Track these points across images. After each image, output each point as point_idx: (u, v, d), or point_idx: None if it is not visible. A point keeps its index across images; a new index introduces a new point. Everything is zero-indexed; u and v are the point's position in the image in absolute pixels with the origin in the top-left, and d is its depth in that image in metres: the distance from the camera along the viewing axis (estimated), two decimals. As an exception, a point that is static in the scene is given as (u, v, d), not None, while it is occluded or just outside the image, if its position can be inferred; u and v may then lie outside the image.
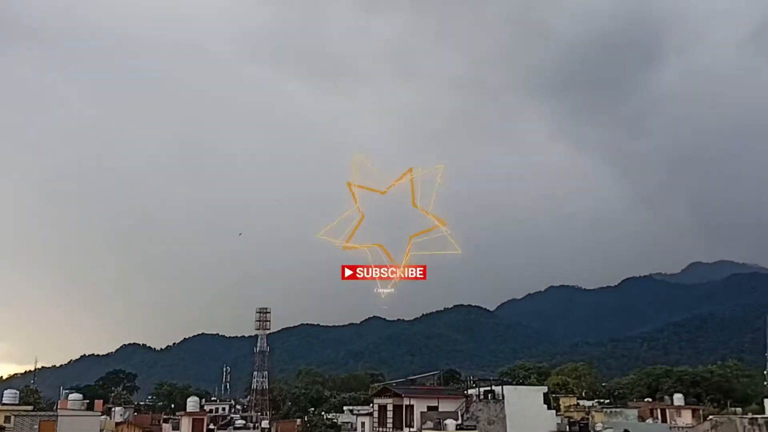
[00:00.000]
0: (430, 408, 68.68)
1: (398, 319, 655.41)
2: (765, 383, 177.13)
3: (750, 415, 76.71)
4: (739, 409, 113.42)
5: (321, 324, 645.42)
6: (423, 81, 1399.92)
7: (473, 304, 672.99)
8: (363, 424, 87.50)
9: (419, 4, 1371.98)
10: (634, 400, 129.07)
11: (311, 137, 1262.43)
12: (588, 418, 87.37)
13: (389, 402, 74.06)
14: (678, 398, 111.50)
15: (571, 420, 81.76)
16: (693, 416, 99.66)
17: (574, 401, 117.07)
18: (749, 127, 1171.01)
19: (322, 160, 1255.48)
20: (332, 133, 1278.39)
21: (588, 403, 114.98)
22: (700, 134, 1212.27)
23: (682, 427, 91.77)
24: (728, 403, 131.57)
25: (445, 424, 62.69)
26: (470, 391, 74.68)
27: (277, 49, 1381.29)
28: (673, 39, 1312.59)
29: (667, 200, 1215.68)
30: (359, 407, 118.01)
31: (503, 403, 67.51)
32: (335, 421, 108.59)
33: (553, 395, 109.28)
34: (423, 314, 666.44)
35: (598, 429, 77.82)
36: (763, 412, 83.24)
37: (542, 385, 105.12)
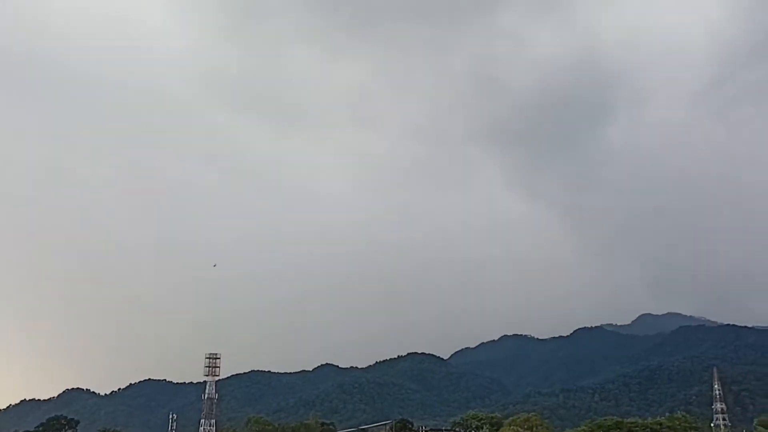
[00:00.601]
0: (383, 458, 68.20)
1: (351, 367, 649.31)
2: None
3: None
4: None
5: (272, 371, 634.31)
6: (383, 128, 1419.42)
7: (427, 352, 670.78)
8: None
9: (381, 53, 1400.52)
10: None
11: (270, 180, 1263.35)
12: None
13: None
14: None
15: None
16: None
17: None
18: (697, 182, 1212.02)
19: (281, 203, 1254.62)
20: (292, 177, 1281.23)
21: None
22: (649, 189, 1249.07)
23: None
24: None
25: (398, 475, 62.14)
26: (423, 441, 74.35)
27: (238, 92, 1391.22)
28: (624, 96, 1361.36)
29: (618, 252, 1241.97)
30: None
31: (456, 453, 67.44)
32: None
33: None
34: (377, 362, 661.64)
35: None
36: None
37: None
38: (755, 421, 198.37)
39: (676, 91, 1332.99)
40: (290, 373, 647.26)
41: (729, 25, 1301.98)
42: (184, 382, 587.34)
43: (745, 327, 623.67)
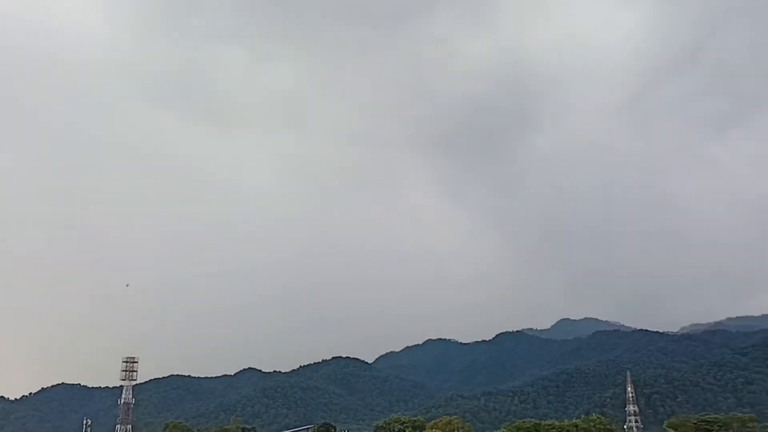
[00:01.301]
0: (303, 462, 67.53)
1: (275, 371, 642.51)
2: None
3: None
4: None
5: (192, 375, 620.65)
6: (315, 131, 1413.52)
7: (352, 357, 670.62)
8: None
9: (311, 57, 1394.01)
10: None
11: (197, 180, 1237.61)
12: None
13: (262, 456, 72.06)
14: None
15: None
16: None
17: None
18: (616, 191, 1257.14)
19: (207, 204, 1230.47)
20: (220, 178, 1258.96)
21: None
22: (571, 197, 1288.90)
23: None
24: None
25: (319, 479, 61.59)
26: (345, 445, 73.94)
27: (167, 91, 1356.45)
28: (549, 105, 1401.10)
29: (540, 258, 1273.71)
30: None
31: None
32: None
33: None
34: (300, 366, 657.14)
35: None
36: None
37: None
38: (665, 423, 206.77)
39: (598, 103, 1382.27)
40: (211, 377, 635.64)
41: (649, 42, 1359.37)
42: (100, 387, 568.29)
43: (657, 332, 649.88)
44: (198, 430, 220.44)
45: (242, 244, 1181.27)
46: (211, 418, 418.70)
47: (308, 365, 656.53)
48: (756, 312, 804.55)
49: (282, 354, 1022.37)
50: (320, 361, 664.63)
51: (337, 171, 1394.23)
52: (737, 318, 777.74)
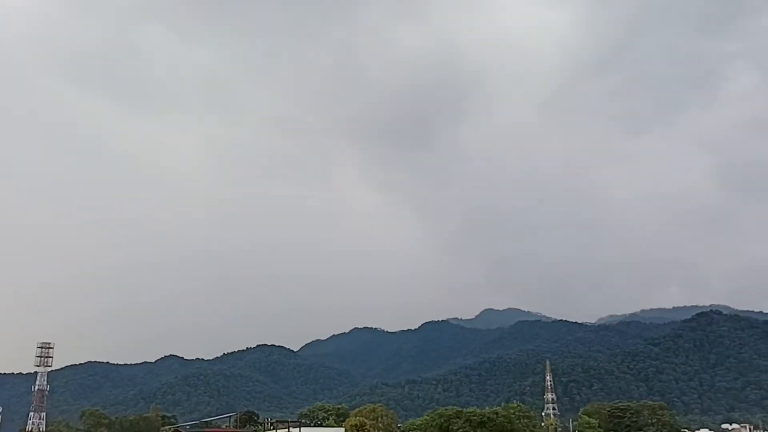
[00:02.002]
0: (224, 451, 66.49)
1: (197, 359, 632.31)
2: (542, 424, 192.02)
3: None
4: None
5: (111, 362, 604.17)
6: (241, 116, 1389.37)
7: (277, 344, 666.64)
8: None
9: (240, 39, 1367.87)
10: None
11: (114, 159, 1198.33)
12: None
13: (181, 445, 70.61)
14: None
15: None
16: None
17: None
18: (540, 184, 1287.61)
19: (125, 185, 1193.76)
20: (140, 159, 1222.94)
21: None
22: (496, 188, 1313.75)
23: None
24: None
25: (239, 467, 60.70)
26: (267, 433, 73.22)
27: (88, 68, 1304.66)
28: (478, 97, 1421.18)
29: (467, 249, 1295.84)
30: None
31: (300, 444, 66.87)
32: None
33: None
34: (224, 353, 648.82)
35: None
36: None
37: (340, 426, 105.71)
38: (581, 410, 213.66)
39: (524, 97, 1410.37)
40: (131, 364, 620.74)
41: (575, 41, 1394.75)
42: (12, 373, 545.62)
43: (576, 323, 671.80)
44: (116, 417, 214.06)
45: (164, 230, 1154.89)
46: (129, 406, 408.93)
47: (232, 353, 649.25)
48: (668, 304, 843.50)
49: (205, 341, 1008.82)
50: (245, 348, 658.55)
51: (264, 157, 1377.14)
52: (651, 309, 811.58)
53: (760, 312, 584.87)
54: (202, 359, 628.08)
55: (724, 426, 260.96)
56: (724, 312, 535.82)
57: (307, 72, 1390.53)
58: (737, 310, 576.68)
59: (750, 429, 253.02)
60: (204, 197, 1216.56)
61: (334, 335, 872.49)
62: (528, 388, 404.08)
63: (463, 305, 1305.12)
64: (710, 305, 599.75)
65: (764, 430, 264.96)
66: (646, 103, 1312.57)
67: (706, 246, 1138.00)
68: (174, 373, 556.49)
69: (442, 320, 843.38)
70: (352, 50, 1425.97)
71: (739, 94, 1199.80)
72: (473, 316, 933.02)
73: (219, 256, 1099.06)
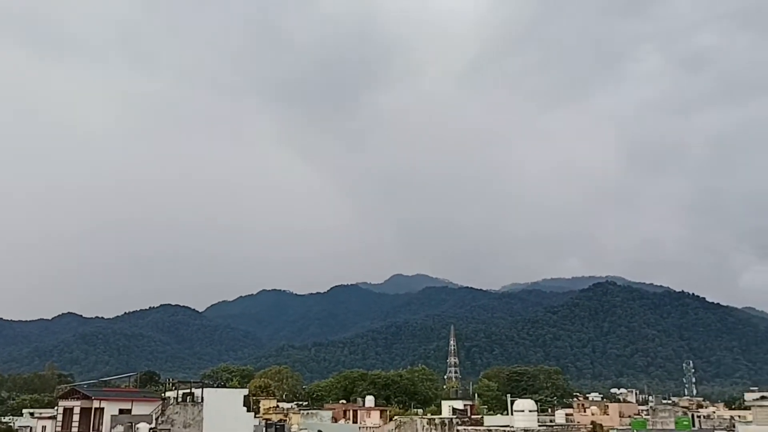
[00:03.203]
0: (122, 411, 64.52)
1: (96, 317, 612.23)
2: (444, 387, 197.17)
3: (429, 416, 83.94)
4: (420, 410, 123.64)
5: (3, 318, 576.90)
6: (156, 69, 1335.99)
7: (181, 305, 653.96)
8: (44, 428, 79.26)
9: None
10: (331, 401, 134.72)
11: (22, 109, 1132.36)
12: (285, 420, 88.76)
13: (77, 405, 68.08)
14: (369, 400, 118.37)
15: (269, 422, 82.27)
16: (381, 417, 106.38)
17: (274, 403, 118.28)
18: (453, 155, 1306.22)
19: (33, 134, 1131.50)
20: (50, 108, 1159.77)
21: (287, 405, 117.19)
22: (412, 156, 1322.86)
23: (371, 427, 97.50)
24: (412, 404, 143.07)
25: (138, 428, 59.03)
26: (168, 394, 71.59)
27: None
28: (399, 65, 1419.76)
29: (378, 214, 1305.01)
30: (42, 410, 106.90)
31: (201, 405, 65.74)
32: (11, 424, 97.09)
33: (254, 398, 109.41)
34: (125, 312, 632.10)
35: (294, 430, 79.36)
36: (440, 413, 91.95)
37: (245, 387, 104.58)
38: (481, 374, 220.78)
39: (443, 68, 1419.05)
40: (25, 321, 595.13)
41: (495, 15, 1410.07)
42: None
43: (481, 290, 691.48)
44: (9, 375, 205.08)
45: (67, 181, 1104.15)
46: (24, 363, 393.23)
47: (134, 312, 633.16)
48: (567, 274, 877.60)
49: (105, 299, 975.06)
50: (147, 308, 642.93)
51: (179, 113, 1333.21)
52: (552, 279, 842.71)
53: (651, 284, 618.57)
54: (102, 318, 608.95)
55: (612, 390, 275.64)
56: (619, 283, 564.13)
57: (228, 29, 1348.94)
58: (631, 282, 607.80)
59: (636, 393, 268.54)
60: (117, 154, 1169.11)
61: (241, 296, 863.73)
62: (433, 352, 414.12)
63: (372, 270, 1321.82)
64: (606, 276, 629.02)
65: (648, 394, 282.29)
66: (559, 80, 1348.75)
67: (606, 220, 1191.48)
68: (72, 331, 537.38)
69: (351, 284, 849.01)
70: (274, 11, 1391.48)
71: (645, 75, 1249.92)
72: (382, 281, 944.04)
73: (123, 211, 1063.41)
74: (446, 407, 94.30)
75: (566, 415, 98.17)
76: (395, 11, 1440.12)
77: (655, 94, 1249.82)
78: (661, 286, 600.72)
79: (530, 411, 48.23)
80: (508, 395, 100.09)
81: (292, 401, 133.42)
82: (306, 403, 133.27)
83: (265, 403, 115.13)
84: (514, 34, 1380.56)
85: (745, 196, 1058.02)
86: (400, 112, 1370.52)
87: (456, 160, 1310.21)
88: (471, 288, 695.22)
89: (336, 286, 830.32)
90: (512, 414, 53.58)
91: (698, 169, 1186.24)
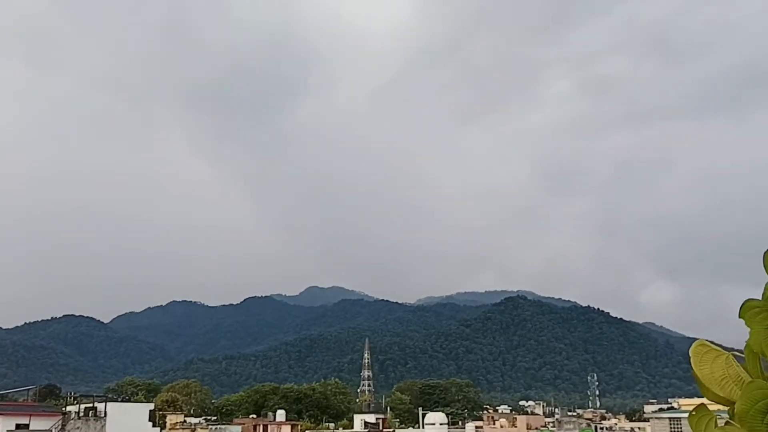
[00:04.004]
0: (19, 426, 61.38)
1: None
2: (357, 400, 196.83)
3: (340, 430, 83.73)
4: (332, 424, 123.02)
5: None
6: (61, 71, 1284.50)
7: (86, 315, 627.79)
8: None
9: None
10: (241, 416, 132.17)
11: None
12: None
13: (-34, 421, 64.25)
14: (280, 414, 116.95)
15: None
16: (292, 431, 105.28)
17: (181, 418, 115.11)
18: (369, 169, 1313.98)
19: None
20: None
21: (195, 420, 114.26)
22: (329, 168, 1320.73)
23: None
24: (324, 418, 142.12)
25: (33, 445, 56.26)
26: (69, 408, 68.47)
27: None
28: (316, 77, 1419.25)
29: (294, 226, 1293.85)
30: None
31: (105, 420, 63.14)
32: None
33: (161, 412, 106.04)
34: (25, 323, 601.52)
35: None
36: (352, 427, 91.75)
37: (151, 402, 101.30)
38: (394, 387, 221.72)
39: (362, 81, 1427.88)
40: None
41: (412, 33, 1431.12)
42: None
43: (396, 303, 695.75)
44: None
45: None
46: None
47: (34, 322, 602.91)
48: (481, 288, 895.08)
49: (4, 310, 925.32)
50: (49, 318, 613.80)
51: (87, 118, 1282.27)
52: (465, 293, 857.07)
53: (560, 299, 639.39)
54: (0, 328, 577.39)
55: (521, 403, 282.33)
56: (529, 297, 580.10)
57: (139, 31, 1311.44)
58: (540, 296, 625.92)
59: (543, 405, 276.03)
60: (15, 158, 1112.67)
61: (149, 307, 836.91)
62: (347, 365, 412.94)
63: (287, 282, 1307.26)
64: (518, 291, 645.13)
65: (555, 406, 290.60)
66: (475, 99, 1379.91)
67: (519, 236, 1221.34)
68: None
69: (265, 296, 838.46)
70: (188, 14, 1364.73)
71: (556, 98, 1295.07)
72: (297, 293, 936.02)
73: (27, 219, 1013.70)
74: (358, 421, 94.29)
75: (476, 427, 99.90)
76: (315, 22, 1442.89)
77: (565, 117, 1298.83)
78: (569, 300, 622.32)
79: (441, 424, 48.94)
80: (420, 408, 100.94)
81: (201, 416, 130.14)
82: (215, 418, 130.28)
83: (172, 418, 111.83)
84: (431, 53, 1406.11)
85: (645, 217, 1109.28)
86: (317, 124, 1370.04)
87: (373, 174, 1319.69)
88: (386, 301, 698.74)
89: (249, 298, 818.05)
90: (423, 427, 54.06)
91: (604, 190, 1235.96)
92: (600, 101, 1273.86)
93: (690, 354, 2.59)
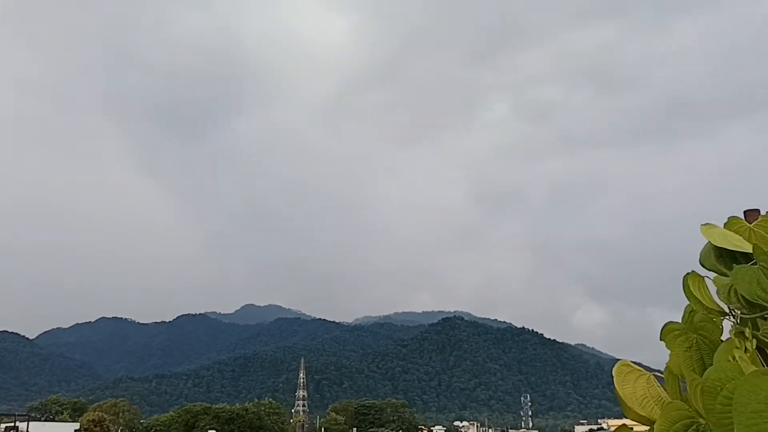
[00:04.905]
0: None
1: None
2: (291, 420, 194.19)
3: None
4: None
5: None
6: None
7: (9, 331, 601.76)
8: None
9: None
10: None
11: None
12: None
13: None
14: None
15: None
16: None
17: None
18: (308, 187, 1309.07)
19: None
20: None
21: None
22: (267, 185, 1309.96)
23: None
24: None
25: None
26: (-15, 429, 65.29)
27: None
28: (256, 93, 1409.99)
29: (231, 243, 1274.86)
30: None
31: (23, 442, 60.47)
32: None
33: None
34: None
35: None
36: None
37: (76, 421, 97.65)
38: (329, 408, 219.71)
39: (301, 99, 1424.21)
40: None
41: (355, 51, 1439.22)
42: None
43: (334, 322, 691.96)
44: None
45: None
46: None
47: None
48: (419, 308, 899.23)
49: None
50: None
51: (16, 128, 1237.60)
52: (403, 313, 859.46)
53: (495, 320, 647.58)
54: None
55: (455, 423, 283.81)
56: (466, 318, 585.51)
57: (74, 39, 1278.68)
58: (477, 317, 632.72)
59: (477, 426, 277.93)
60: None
61: (78, 324, 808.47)
62: (282, 385, 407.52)
63: (223, 299, 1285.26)
64: (455, 311, 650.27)
65: (489, 426, 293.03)
66: (416, 120, 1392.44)
67: (457, 257, 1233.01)
68: None
69: (199, 313, 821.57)
70: (125, 24, 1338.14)
71: (495, 122, 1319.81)
72: (233, 311, 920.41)
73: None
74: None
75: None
76: (256, 37, 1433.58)
77: (503, 140, 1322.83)
78: (504, 321, 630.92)
79: (375, 445, 48.44)
80: (355, 429, 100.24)
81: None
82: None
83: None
84: (373, 72, 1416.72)
85: (578, 240, 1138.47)
86: (257, 140, 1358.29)
87: (312, 192, 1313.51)
88: (324, 320, 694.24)
89: (182, 315, 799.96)
90: (357, 448, 53.53)
91: (539, 214, 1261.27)
92: (536, 127, 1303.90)
93: (613, 374, 2.69)
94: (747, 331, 2.25)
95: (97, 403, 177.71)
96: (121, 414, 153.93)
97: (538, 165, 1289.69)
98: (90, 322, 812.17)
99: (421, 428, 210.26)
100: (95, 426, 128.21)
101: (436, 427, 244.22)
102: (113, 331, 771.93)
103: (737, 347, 2.25)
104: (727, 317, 2.41)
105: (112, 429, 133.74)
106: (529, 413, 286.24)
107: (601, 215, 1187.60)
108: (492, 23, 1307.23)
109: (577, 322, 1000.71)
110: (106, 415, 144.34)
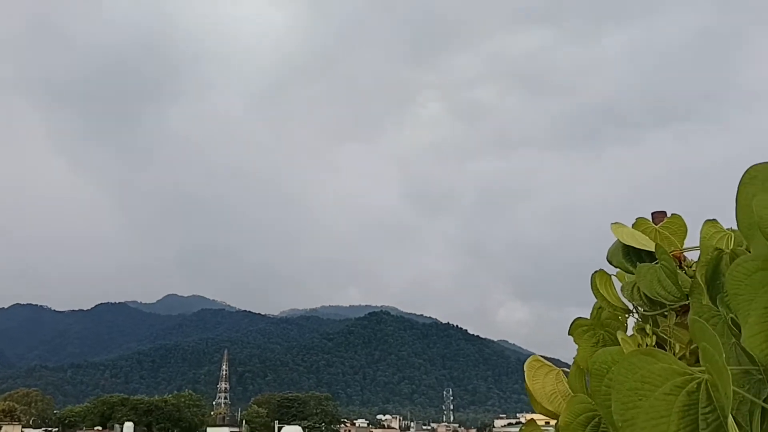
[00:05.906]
0: None
1: None
2: (212, 413, 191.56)
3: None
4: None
5: None
6: None
7: None
8: None
9: None
10: (85, 428, 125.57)
11: None
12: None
13: None
14: (128, 427, 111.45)
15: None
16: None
17: (18, 429, 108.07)
18: (241, 178, 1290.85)
19: None
20: None
21: (36, 431, 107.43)
22: (195, 175, 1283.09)
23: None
24: (175, 431, 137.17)
25: None
26: None
27: None
28: (190, 82, 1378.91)
29: (157, 232, 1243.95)
30: None
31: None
32: None
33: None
34: None
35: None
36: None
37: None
38: (252, 400, 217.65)
39: (237, 90, 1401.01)
40: None
41: (292, 43, 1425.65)
42: None
43: (259, 314, 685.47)
44: None
45: None
46: None
47: None
48: (346, 302, 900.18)
49: None
50: None
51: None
52: (330, 306, 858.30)
53: (421, 315, 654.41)
54: None
55: (378, 416, 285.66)
56: (392, 313, 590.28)
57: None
58: (403, 312, 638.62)
59: (399, 419, 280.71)
60: None
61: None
62: (203, 376, 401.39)
63: (145, 288, 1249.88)
64: (382, 306, 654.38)
65: (411, 420, 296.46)
66: (350, 116, 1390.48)
67: (386, 253, 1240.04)
68: None
69: (118, 302, 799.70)
70: (54, 7, 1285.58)
71: (428, 121, 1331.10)
72: (155, 301, 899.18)
73: None
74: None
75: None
76: (190, 23, 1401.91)
77: (436, 140, 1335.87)
78: (430, 317, 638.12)
79: (297, 437, 48.45)
80: (277, 422, 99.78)
81: (41, 427, 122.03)
82: (57, 429, 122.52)
83: (8, 429, 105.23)
84: (310, 64, 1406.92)
85: (506, 241, 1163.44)
86: (187, 130, 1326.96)
87: (245, 182, 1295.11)
88: (249, 312, 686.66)
89: (101, 304, 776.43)
90: (279, 440, 53.39)
91: (469, 213, 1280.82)
92: (469, 127, 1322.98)
93: (524, 369, 2.69)
94: (648, 328, 2.32)
95: (7, 393, 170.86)
96: (33, 404, 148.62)
97: (471, 164, 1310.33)
98: (2, 308, 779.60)
99: (344, 421, 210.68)
100: (5, 416, 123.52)
101: (359, 420, 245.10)
102: (27, 317, 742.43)
103: (639, 343, 2.30)
104: (631, 314, 2.46)
105: (23, 419, 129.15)
106: (451, 407, 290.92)
107: (529, 217, 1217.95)
108: (428, 22, 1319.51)
109: (501, 319, 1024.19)
110: (17, 405, 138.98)
